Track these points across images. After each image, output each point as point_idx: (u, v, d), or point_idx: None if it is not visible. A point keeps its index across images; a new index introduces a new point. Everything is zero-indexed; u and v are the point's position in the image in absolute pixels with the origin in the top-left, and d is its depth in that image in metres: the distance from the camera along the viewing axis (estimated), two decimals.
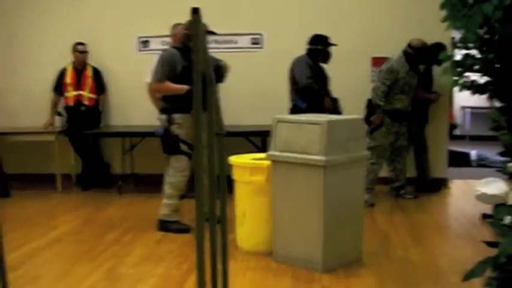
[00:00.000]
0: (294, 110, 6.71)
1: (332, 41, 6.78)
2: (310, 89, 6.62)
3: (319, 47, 6.77)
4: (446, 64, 3.75)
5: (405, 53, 6.94)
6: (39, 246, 5.34)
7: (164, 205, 5.71)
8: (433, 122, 7.70)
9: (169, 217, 5.70)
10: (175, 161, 5.65)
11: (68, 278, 4.50)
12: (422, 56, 6.99)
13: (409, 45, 6.95)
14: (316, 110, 6.26)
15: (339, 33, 6.91)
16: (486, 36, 3.45)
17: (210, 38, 7.43)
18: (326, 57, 6.82)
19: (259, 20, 7.93)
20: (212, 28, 5.40)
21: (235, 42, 7.96)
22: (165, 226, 5.71)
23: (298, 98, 6.70)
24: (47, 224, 6.15)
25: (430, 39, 7.03)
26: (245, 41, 7.96)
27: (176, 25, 6.86)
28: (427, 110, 7.61)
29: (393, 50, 7.05)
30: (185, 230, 5.64)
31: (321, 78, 6.80)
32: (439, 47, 6.98)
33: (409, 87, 6.92)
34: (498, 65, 3.46)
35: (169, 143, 5.63)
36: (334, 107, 6.75)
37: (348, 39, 7.10)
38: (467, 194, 7.28)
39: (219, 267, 3.18)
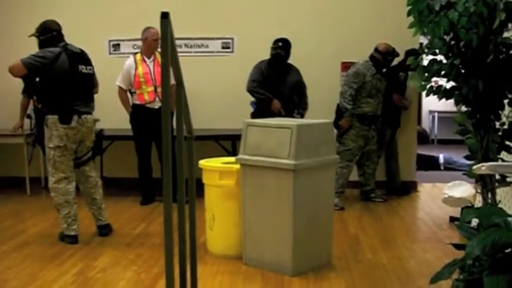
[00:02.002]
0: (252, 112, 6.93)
1: (292, 43, 6.84)
2: (251, 92, 6.78)
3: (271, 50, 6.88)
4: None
5: (372, 57, 7.01)
6: (7, 250, 5.28)
7: (104, 209, 5.80)
8: (402, 127, 7.78)
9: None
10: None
11: (35, 282, 4.45)
12: (389, 60, 7.07)
13: (376, 49, 7.01)
14: (264, 112, 6.39)
15: (310, 37, 6.94)
16: (452, 42, 3.51)
17: (181, 41, 7.46)
18: (274, 60, 6.86)
19: (230, 24, 7.95)
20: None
21: (206, 46, 7.95)
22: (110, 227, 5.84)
23: (254, 101, 6.84)
24: (15, 227, 6.08)
25: (400, 45, 7.08)
26: (216, 45, 7.96)
27: (147, 29, 6.87)
28: (400, 115, 7.68)
29: (363, 54, 7.11)
30: None
31: (273, 82, 6.81)
32: (414, 53, 7.06)
33: (377, 90, 6.97)
34: (463, 70, 3.52)
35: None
36: (286, 109, 6.76)
37: (318, 44, 7.13)
38: (436, 197, 7.40)
39: (188, 271, 3.18)
